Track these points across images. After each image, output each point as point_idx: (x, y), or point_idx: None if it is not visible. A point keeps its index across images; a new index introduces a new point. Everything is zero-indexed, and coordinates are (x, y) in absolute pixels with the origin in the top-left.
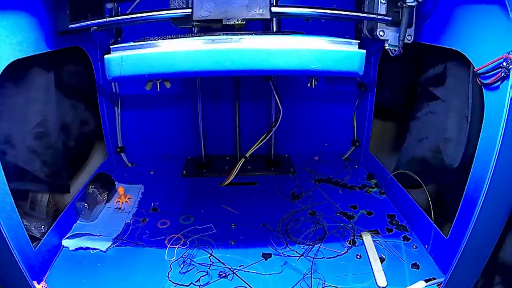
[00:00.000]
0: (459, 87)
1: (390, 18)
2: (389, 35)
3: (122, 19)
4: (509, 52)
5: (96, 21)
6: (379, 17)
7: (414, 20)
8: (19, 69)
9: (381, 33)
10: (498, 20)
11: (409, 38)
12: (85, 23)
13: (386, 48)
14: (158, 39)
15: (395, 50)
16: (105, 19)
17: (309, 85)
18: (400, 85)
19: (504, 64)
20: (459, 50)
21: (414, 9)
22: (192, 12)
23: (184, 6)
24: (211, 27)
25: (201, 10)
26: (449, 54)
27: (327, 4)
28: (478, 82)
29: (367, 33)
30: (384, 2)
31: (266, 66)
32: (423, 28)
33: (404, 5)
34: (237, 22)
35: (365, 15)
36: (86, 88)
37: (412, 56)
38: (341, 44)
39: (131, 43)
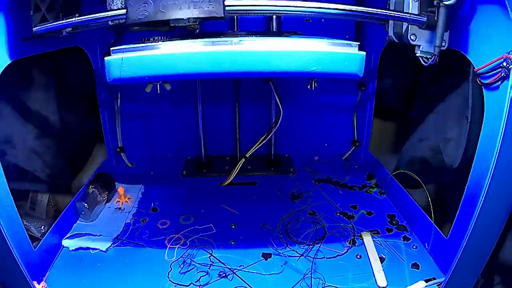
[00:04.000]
0: (459, 87)
1: (424, 19)
2: (422, 39)
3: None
4: (509, 52)
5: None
6: (411, 17)
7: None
8: (20, 69)
9: (413, 37)
10: (498, 20)
11: (444, 44)
12: (48, 26)
13: (417, 55)
14: (158, 41)
15: (427, 59)
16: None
17: (309, 87)
18: (400, 85)
19: (504, 64)
20: (459, 50)
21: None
22: (127, 14)
23: (122, 7)
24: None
25: (137, 11)
26: (449, 54)
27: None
28: (478, 82)
29: (393, 37)
30: (416, 0)
31: (266, 68)
32: None
33: (441, 4)
34: (188, 23)
35: (394, 13)
36: (86, 88)
37: (412, 56)
38: (341, 46)
39: (131, 45)
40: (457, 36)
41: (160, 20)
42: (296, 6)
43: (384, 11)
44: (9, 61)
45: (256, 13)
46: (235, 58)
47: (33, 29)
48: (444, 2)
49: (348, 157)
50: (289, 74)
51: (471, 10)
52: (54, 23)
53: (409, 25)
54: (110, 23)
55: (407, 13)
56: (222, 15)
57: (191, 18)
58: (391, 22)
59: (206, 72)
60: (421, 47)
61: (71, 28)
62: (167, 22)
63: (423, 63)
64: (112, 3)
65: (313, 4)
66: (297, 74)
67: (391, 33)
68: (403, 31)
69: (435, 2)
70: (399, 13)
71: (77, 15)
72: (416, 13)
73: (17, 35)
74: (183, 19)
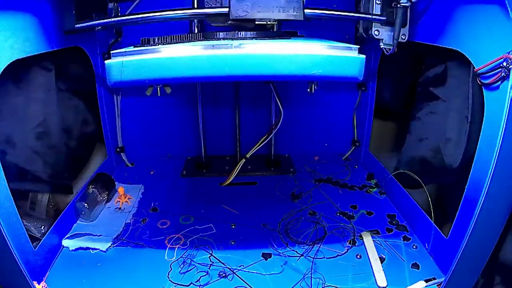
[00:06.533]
0: (459, 87)
1: (384, 18)
2: (384, 34)
3: (132, 18)
4: (509, 52)
5: (103, 20)
6: (373, 17)
7: (408, 20)
8: (20, 69)
9: (376, 32)
10: (498, 20)
11: (404, 38)
12: (91, 23)
13: (381, 47)
14: (158, 44)
15: (389, 49)
16: (112, 19)
17: (308, 90)
18: (400, 85)
19: (504, 64)
20: (459, 50)
21: (408, 9)
22: (229, 11)
23: (218, 5)
24: (244, 26)
25: (239, 9)
26: (449, 54)
27: (325, 3)
28: (478, 82)
29: (362, 32)
30: (379, 2)
31: (266, 72)
32: (418, 27)
33: (398, 5)
34: (269, 22)
35: (360, 15)
36: (87, 88)
37: (412, 56)
38: (341, 49)
39: (132, 48)
40: (457, 35)
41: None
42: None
43: (352, 13)
44: (10, 60)
45: (324, 18)
46: (236, 62)
47: (75, 25)
48: (401, 4)
49: (348, 157)
50: (289, 78)
51: (470, 10)
52: (99, 20)
53: (373, 23)
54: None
55: (370, 13)
56: (302, 19)
57: (279, 20)
58: (361, 21)
59: (206, 76)
60: (383, 40)
61: (101, 26)
62: (254, 20)
63: (386, 52)
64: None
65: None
66: (297, 78)
67: (361, 29)
68: (369, 28)
69: (393, 3)
70: (364, 14)
71: (111, 15)
72: (379, 13)
73: (60, 28)
74: (270, 19)
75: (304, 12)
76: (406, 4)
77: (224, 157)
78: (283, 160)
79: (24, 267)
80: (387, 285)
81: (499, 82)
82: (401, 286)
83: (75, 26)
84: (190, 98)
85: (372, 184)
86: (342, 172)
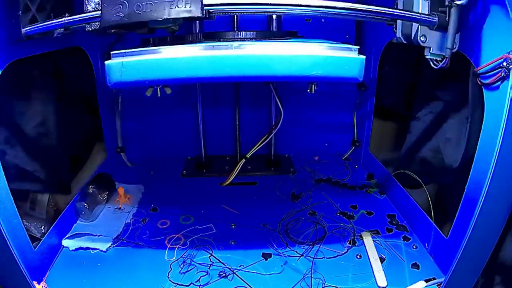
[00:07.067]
0: (459, 87)
1: (436, 19)
2: (432, 41)
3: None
4: (509, 52)
5: (56, 21)
6: (422, 17)
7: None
8: (20, 69)
9: (423, 38)
10: (498, 20)
11: (455, 47)
12: (41, 25)
13: (427, 57)
14: (158, 44)
15: (438, 61)
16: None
17: (308, 90)
18: (400, 85)
19: (504, 64)
20: (459, 50)
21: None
22: (101, 16)
23: (98, 8)
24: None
25: (111, 12)
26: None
27: None
28: (478, 82)
29: (401, 38)
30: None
31: (266, 72)
32: None
33: (453, 4)
34: (168, 25)
35: (405, 13)
36: (86, 88)
37: (412, 56)
38: (341, 50)
39: (132, 49)
40: (456, 35)
41: (136, 22)
42: (293, 5)
43: (394, 10)
44: (6, 63)
45: (238, 12)
46: (235, 63)
47: (22, 30)
48: (455, 2)
49: (348, 157)
50: (289, 78)
51: (470, 10)
52: (42, 24)
53: (420, 26)
54: (87, 28)
55: (418, 13)
56: (200, 15)
57: (168, 19)
58: (399, 22)
59: (206, 77)
60: (431, 49)
61: (63, 29)
62: (146, 24)
63: (433, 66)
64: (88, 4)
65: (318, 3)
66: (296, 78)
67: (399, 34)
68: (413, 32)
69: (446, 2)
70: (410, 13)
71: (67, 14)
72: (427, 13)
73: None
74: (159, 20)
75: (202, 6)
76: (463, 2)
77: (224, 157)
78: (283, 160)
79: (24, 267)
80: (387, 285)
81: (499, 82)
82: (401, 286)
83: (22, 32)
84: (190, 98)
85: (372, 184)
86: (342, 172)
